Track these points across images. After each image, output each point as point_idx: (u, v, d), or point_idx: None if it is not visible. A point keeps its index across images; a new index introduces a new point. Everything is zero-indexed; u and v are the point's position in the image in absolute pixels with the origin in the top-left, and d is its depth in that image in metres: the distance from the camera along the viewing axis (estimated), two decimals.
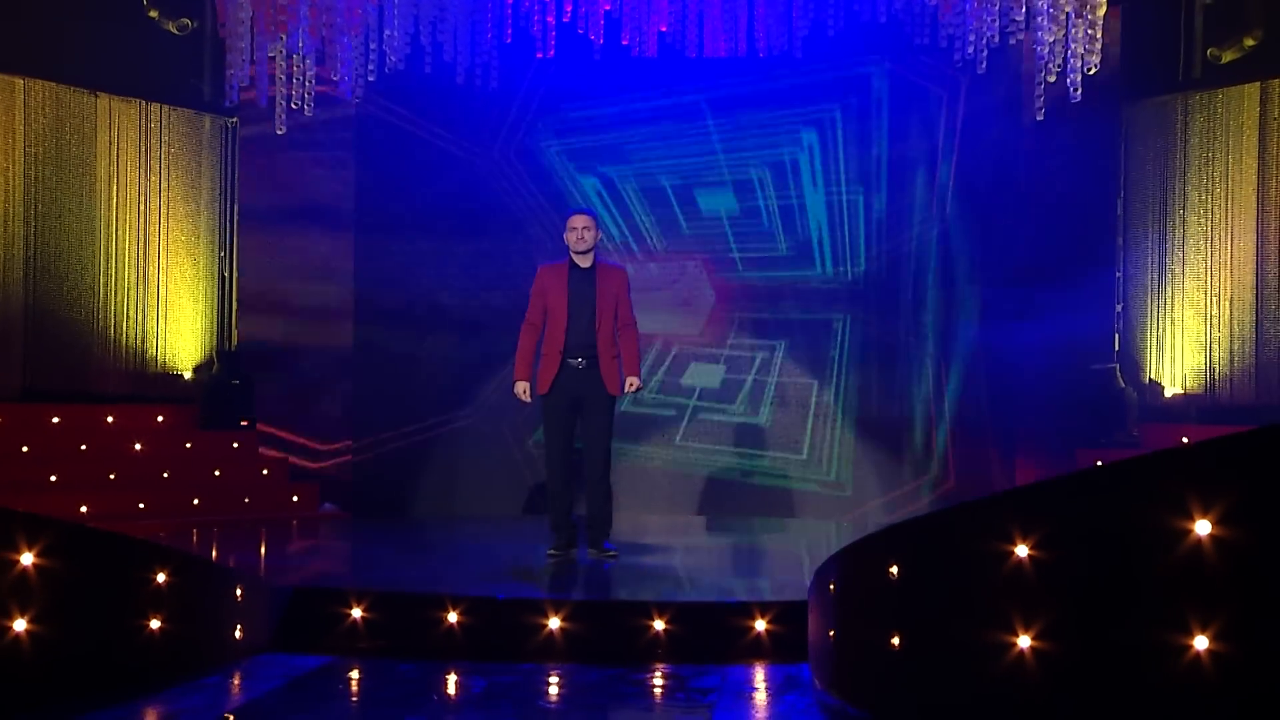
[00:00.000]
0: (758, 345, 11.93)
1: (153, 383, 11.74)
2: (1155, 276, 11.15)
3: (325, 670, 5.54)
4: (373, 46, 10.24)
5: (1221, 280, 10.77)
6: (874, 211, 11.91)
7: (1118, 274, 11.30)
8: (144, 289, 11.72)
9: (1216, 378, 10.79)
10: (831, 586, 5.07)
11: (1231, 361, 10.70)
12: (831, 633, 5.05)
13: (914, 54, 11.49)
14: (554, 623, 5.91)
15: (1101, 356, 11.17)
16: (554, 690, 5.24)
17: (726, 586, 7.20)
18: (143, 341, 11.70)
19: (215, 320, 12.14)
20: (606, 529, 7.67)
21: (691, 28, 11.47)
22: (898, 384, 11.69)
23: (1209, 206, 10.85)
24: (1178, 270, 11.02)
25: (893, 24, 11.03)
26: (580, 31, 11.08)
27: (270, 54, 10.13)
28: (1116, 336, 11.27)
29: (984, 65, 10.25)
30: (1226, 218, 10.76)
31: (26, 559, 4.72)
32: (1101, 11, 9.11)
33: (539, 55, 11.15)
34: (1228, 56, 10.91)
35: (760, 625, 5.93)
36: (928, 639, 4.39)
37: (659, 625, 5.91)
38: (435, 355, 11.88)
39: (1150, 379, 11.17)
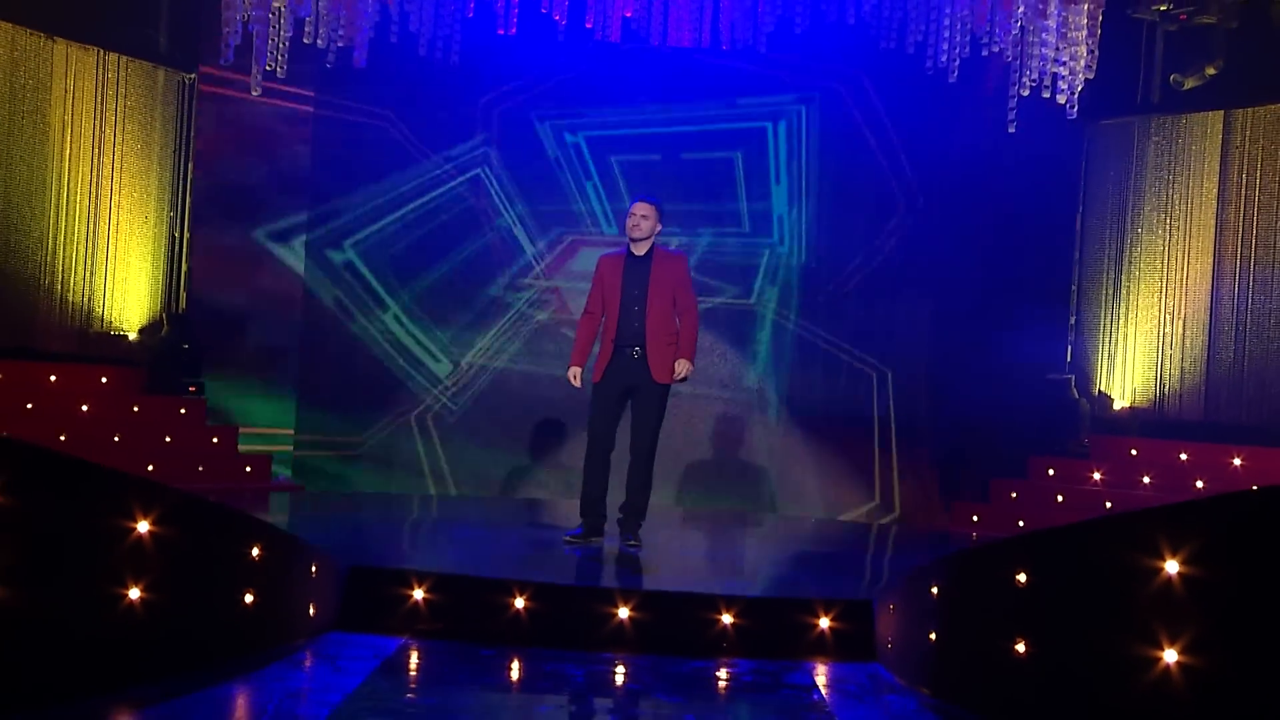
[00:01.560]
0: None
1: (96, 343, 11.37)
2: (1110, 291, 11.51)
3: (407, 650, 5.46)
4: (341, 18, 10.08)
5: (1177, 299, 11.17)
6: (826, 217, 12.01)
7: (1073, 287, 11.63)
8: (94, 245, 11.34)
9: (1166, 393, 11.20)
10: (935, 590, 5.16)
11: (1182, 378, 11.11)
12: (933, 635, 5.14)
13: (880, 58, 11.60)
14: (623, 612, 5.91)
15: (1054, 367, 11.50)
16: (690, 684, 5.24)
17: (788, 581, 7.29)
18: (90, 299, 11.32)
19: (164, 281, 11.80)
20: (640, 519, 7.66)
21: (656, 15, 11.47)
22: (844, 387, 11.82)
23: (1167, 227, 11.24)
24: (1133, 287, 11.39)
25: (860, 26, 11.16)
26: (544, 11, 11.04)
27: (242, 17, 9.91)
28: (1069, 348, 11.61)
29: (955, 75, 10.46)
30: (1184, 239, 11.15)
31: (143, 527, 4.57)
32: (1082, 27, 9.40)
33: (500, 32, 11.03)
34: (1190, 83, 11.29)
35: (824, 623, 6.00)
36: (1060, 648, 4.48)
37: (727, 619, 5.94)
38: (385, 332, 11.79)
39: (1100, 391, 11.53)
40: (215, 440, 10.94)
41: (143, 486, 4.69)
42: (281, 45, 10.10)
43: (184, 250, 11.79)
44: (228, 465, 10.78)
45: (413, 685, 5.07)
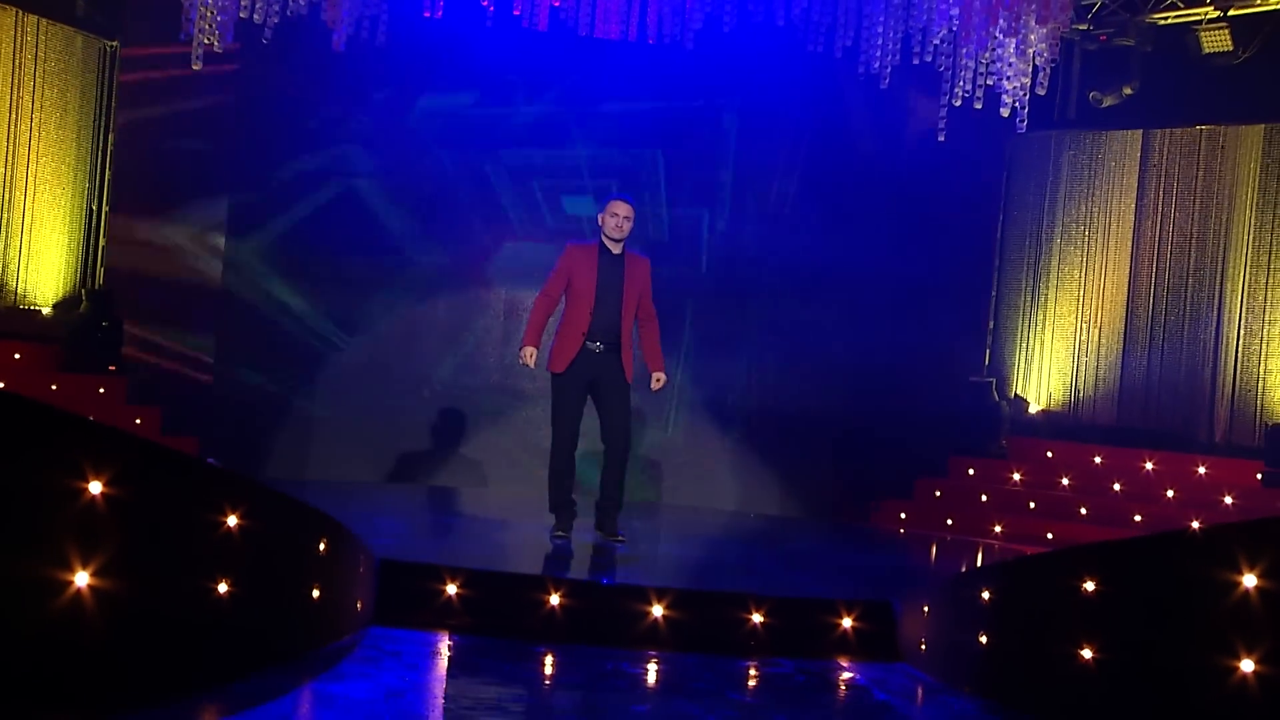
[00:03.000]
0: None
1: (6, 318, 10.92)
2: (1029, 299, 11.93)
3: (461, 647, 5.44)
4: None
5: (1093, 308, 11.64)
6: (748, 218, 12.14)
7: (993, 293, 12.02)
8: (8, 214, 10.88)
9: (1081, 398, 11.66)
10: (986, 595, 5.34)
11: (1096, 384, 11.58)
12: (984, 639, 5.32)
13: (806, 61, 11.74)
14: (657, 610, 5.98)
15: (973, 370, 11.87)
16: (750, 681, 5.32)
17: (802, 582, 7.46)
18: (2, 271, 10.88)
19: (80, 255, 11.40)
20: (619, 511, 7.71)
21: (585, 7, 11.48)
22: (765, 386, 11.99)
23: (1086, 238, 11.70)
24: (1050, 295, 11.83)
25: (790, 28, 11.33)
26: None
27: None
28: (988, 353, 12.00)
29: (886, 81, 10.72)
30: (1102, 251, 11.62)
31: (232, 520, 4.48)
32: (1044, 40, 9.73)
33: (426, 15, 10.95)
34: (1107, 101, 11.74)
35: (846, 622, 6.15)
36: (1132, 656, 4.68)
37: (757, 618, 6.05)
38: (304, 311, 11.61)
39: (1016, 394, 11.95)
40: (139, 421, 10.62)
41: (230, 479, 4.60)
42: (212, 19, 9.89)
43: (102, 225, 11.39)
44: None
45: (499, 683, 5.05)
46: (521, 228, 11.92)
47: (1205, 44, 11.28)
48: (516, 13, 11.33)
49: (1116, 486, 10.69)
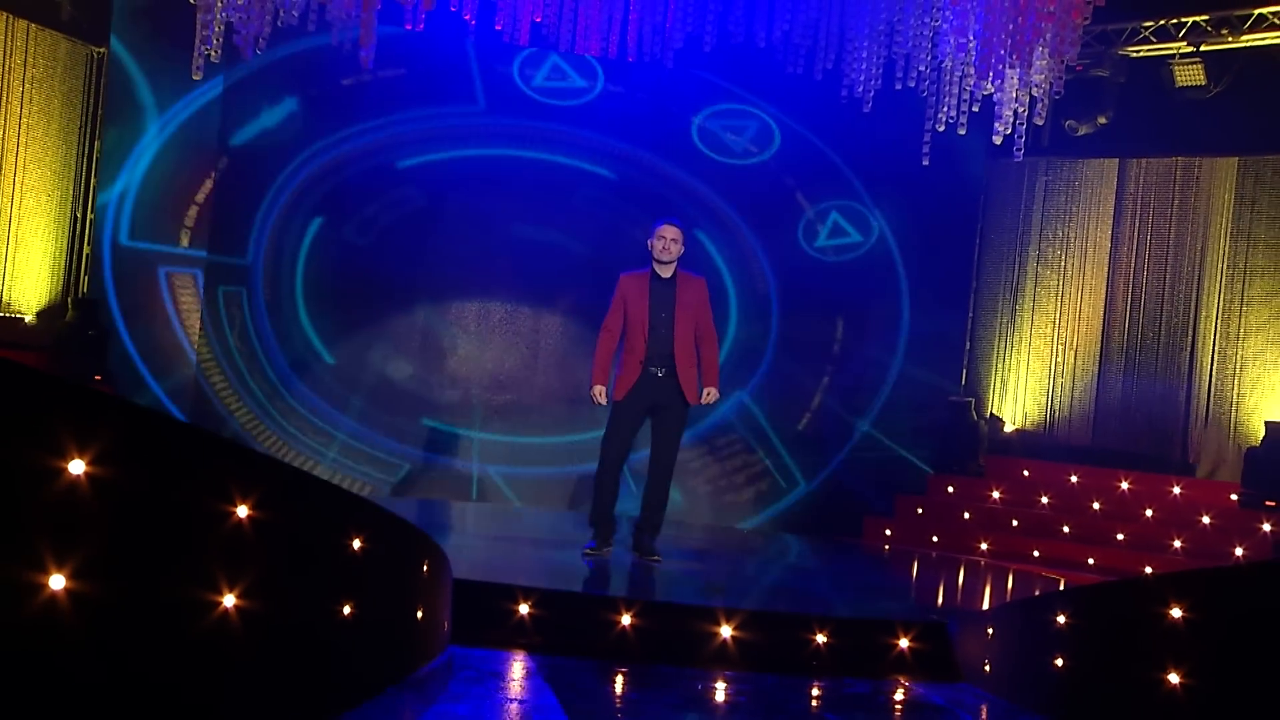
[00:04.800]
0: None
1: None
2: (1006, 320, 12.22)
3: (550, 666, 5.50)
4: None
5: (1070, 331, 11.96)
6: (730, 239, 12.31)
7: (969, 315, 12.30)
8: None
9: (1056, 419, 11.97)
10: (1062, 619, 5.52)
11: (1072, 405, 11.90)
12: (1060, 662, 5.50)
13: (786, 84, 11.93)
14: (726, 630, 6.09)
15: (951, 390, 12.13)
16: (838, 702, 5.45)
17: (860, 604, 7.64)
18: None
19: (65, 264, 11.25)
20: (658, 533, 7.81)
21: (566, 22, 11.58)
22: (747, 401, 12.18)
23: (1062, 263, 12.02)
24: (1027, 317, 12.14)
25: (770, 50, 11.53)
26: (453, 9, 11.06)
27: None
28: (964, 372, 12.27)
29: (869, 105, 10.95)
30: (1079, 275, 11.96)
31: (356, 543, 4.53)
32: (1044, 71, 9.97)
33: (408, 27, 10.98)
34: (1083, 129, 12.08)
35: (904, 643, 6.30)
36: (1222, 683, 4.86)
37: (820, 638, 6.19)
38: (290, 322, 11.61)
39: (992, 414, 12.23)
40: None
41: (351, 500, 4.63)
42: (219, 30, 9.85)
43: (88, 232, 11.26)
44: None
45: (607, 703, 5.14)
46: (502, 242, 11.95)
47: (1179, 77, 11.66)
48: (498, 27, 11.40)
49: (1096, 505, 10.99)
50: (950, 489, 11.65)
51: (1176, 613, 5.02)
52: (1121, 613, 5.34)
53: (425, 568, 5.14)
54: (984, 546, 10.83)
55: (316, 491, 4.45)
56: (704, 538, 10.30)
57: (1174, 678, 4.95)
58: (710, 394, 7.73)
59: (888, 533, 11.39)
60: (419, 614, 5.09)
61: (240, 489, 3.95)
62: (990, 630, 6.10)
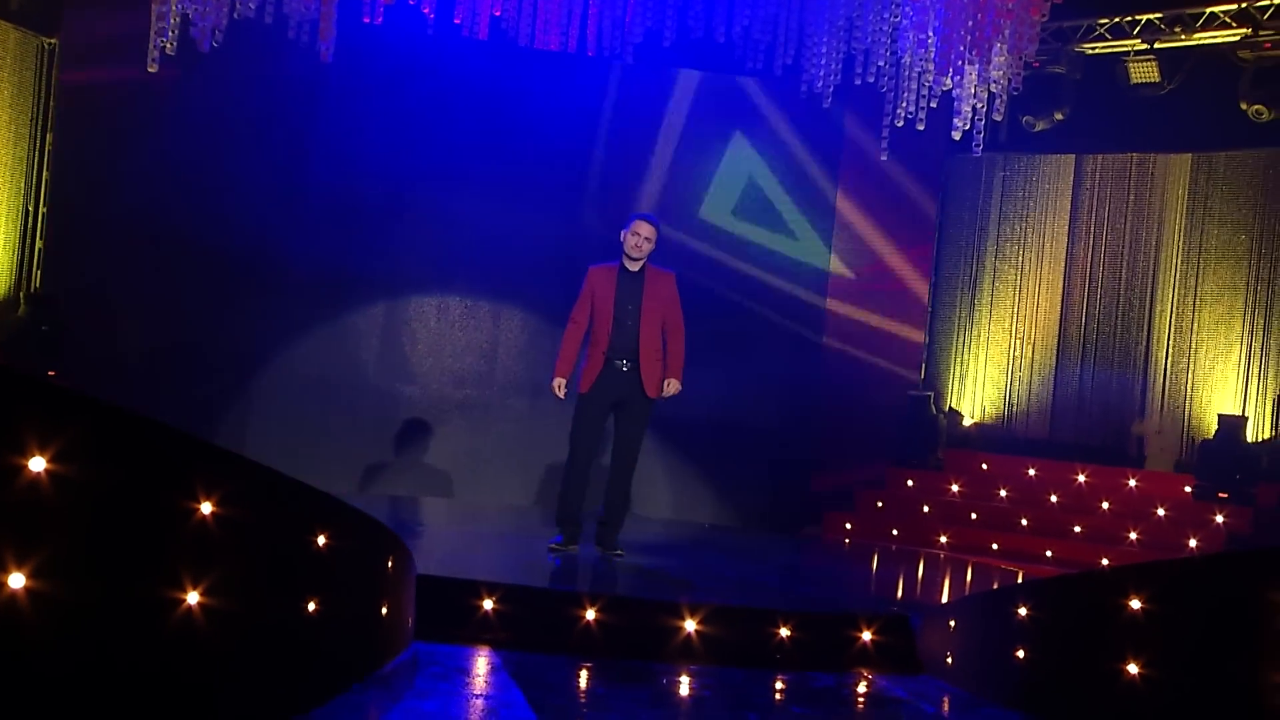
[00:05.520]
0: None
1: None
2: (965, 314, 12.30)
3: (517, 662, 5.49)
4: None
5: (1027, 324, 12.05)
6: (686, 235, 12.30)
7: (928, 309, 12.37)
8: None
9: (1014, 412, 12.06)
10: (1023, 611, 5.57)
11: (1030, 399, 11.99)
12: (1022, 653, 5.55)
13: (747, 78, 11.96)
14: (690, 625, 6.10)
15: (909, 384, 12.20)
16: (803, 695, 5.46)
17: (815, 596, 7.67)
18: None
19: (16, 258, 11.12)
20: (619, 529, 7.81)
21: (525, 17, 11.55)
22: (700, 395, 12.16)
23: (1019, 258, 12.11)
24: (985, 311, 12.23)
25: (729, 45, 11.54)
26: (411, 3, 11.02)
27: None
28: (923, 366, 12.34)
29: (828, 101, 10.98)
30: (1036, 270, 12.05)
31: (321, 540, 4.51)
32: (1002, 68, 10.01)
33: (366, 20, 10.92)
34: (1040, 125, 12.17)
35: (867, 636, 6.34)
36: (1181, 673, 4.91)
37: (784, 632, 6.21)
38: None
39: (951, 408, 12.30)
40: None
41: (316, 496, 4.60)
42: (175, 25, 9.77)
43: (39, 226, 11.13)
44: None
45: (577, 698, 5.14)
46: (464, 235, 11.89)
47: (1134, 74, 11.76)
48: (457, 21, 11.35)
49: (1053, 498, 11.08)
50: (910, 483, 11.71)
51: (1135, 604, 5.07)
52: (1081, 605, 5.39)
53: (390, 564, 5.12)
54: (943, 539, 10.90)
55: (281, 487, 4.41)
56: (665, 532, 10.32)
57: (1133, 668, 5.01)
58: (671, 384, 7.72)
59: (848, 526, 11.44)
60: (384, 610, 5.07)
61: (204, 485, 3.92)
62: (952, 623, 6.15)
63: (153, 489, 3.69)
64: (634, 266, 7.65)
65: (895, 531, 11.12)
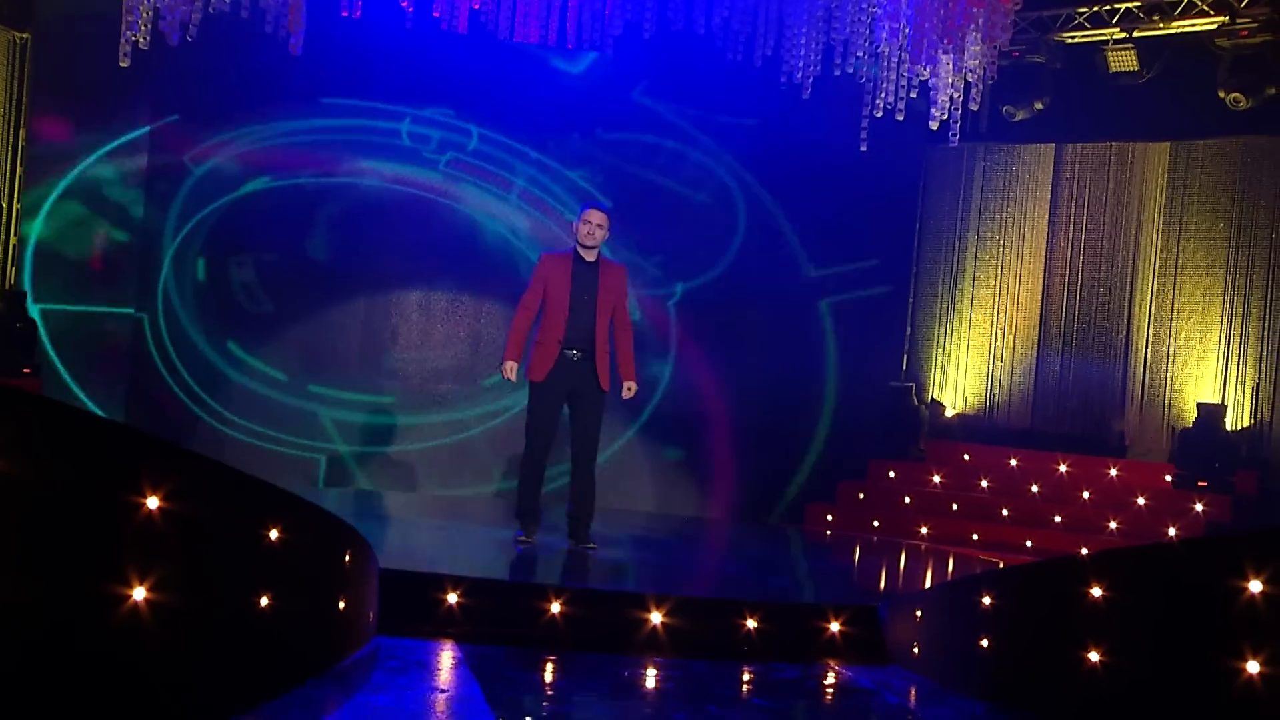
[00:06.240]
0: None
1: None
2: (945, 305, 12.28)
3: (480, 656, 5.47)
4: None
5: (1009, 315, 12.04)
6: (667, 230, 12.27)
7: (910, 300, 12.35)
8: None
9: (996, 403, 12.05)
10: (987, 600, 5.55)
11: (1011, 389, 11.98)
12: (986, 642, 5.53)
13: (726, 71, 11.92)
14: (656, 617, 6.08)
15: (891, 375, 12.18)
16: (766, 687, 5.45)
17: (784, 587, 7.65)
18: None
19: None
20: (590, 521, 7.79)
21: (505, 10, 11.52)
22: (685, 389, 12.15)
23: (1000, 248, 12.09)
24: (966, 302, 12.21)
25: (709, 37, 11.51)
26: None
27: None
28: (905, 358, 12.32)
29: (808, 92, 10.94)
30: (1017, 260, 12.03)
31: (274, 534, 4.49)
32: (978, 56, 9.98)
33: (344, 14, 10.87)
34: (1020, 115, 12.15)
35: (834, 626, 6.32)
36: (1139, 659, 4.90)
37: (751, 624, 6.19)
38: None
39: (933, 399, 12.28)
40: None
41: (267, 490, 4.57)
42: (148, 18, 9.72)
43: (13, 223, 11.09)
44: None
45: (536, 692, 5.12)
46: (441, 230, 11.87)
47: (1112, 63, 11.74)
48: (436, 14, 11.31)
49: (1034, 488, 11.06)
50: (891, 474, 11.70)
51: (1096, 592, 5.06)
52: (1044, 593, 5.37)
53: (347, 558, 5.10)
54: (924, 531, 10.88)
55: (230, 482, 4.39)
56: (645, 526, 10.29)
57: (1095, 655, 4.99)
58: (630, 388, 7.75)
59: (829, 518, 11.43)
60: (341, 605, 5.05)
61: (151, 480, 3.89)
62: (919, 613, 6.13)
63: (97, 484, 3.67)
64: (589, 256, 7.65)
65: (876, 523, 11.10)
